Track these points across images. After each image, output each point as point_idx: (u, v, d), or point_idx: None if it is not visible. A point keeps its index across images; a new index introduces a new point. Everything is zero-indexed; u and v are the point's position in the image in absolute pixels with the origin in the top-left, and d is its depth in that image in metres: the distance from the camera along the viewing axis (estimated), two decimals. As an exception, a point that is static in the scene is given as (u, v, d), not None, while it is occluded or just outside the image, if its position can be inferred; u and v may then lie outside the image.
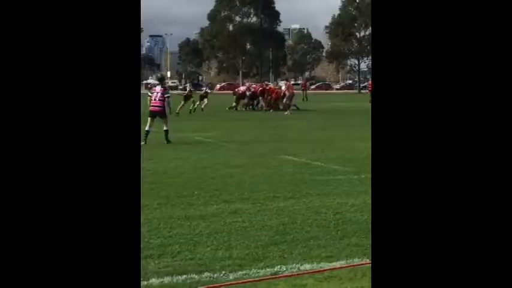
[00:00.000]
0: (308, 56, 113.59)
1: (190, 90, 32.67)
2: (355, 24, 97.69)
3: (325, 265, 5.39)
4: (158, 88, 17.00)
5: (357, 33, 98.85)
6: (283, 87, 34.56)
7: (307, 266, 5.35)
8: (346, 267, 5.30)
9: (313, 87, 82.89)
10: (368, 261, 5.46)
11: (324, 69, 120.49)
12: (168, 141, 15.77)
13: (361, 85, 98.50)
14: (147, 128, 15.63)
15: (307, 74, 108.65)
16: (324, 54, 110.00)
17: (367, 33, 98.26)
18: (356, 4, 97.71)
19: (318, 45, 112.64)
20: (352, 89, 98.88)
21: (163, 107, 16.27)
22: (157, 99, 16.32)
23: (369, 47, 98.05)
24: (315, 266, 5.36)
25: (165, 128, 16.03)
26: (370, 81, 61.86)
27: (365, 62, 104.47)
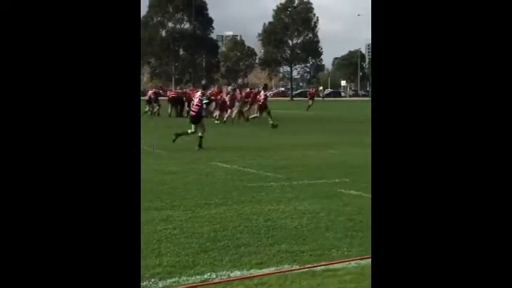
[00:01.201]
0: (241, 63, 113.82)
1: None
2: (288, 32, 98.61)
3: (255, 272, 5.42)
4: (198, 94, 17.60)
5: (290, 41, 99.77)
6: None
7: (237, 273, 5.37)
8: (275, 273, 5.34)
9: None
10: (297, 267, 5.53)
11: (257, 76, 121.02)
12: (200, 147, 16.06)
13: (294, 92, 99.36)
14: (189, 131, 16.75)
15: (240, 80, 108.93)
16: (257, 61, 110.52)
17: (299, 40, 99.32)
18: (288, 12, 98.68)
19: (251, 52, 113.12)
20: (285, 96, 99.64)
21: (198, 112, 16.72)
22: (194, 105, 16.99)
23: (300, 55, 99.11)
24: (245, 273, 5.38)
25: (199, 134, 16.38)
26: (311, 89, 61.34)
27: (297, 69, 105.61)
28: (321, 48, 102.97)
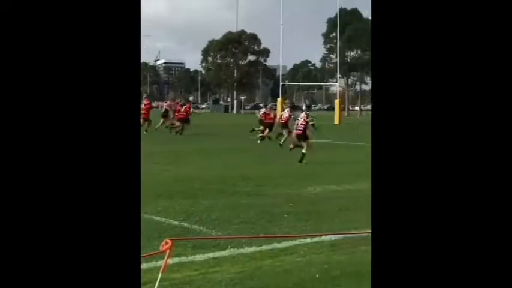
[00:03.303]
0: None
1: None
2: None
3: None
4: (303, 114, 18.32)
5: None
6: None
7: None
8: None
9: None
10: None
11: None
12: (301, 161, 16.72)
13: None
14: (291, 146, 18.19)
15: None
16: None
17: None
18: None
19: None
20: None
21: (303, 130, 17.62)
22: (299, 124, 17.84)
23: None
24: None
25: (303, 151, 17.10)
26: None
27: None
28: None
